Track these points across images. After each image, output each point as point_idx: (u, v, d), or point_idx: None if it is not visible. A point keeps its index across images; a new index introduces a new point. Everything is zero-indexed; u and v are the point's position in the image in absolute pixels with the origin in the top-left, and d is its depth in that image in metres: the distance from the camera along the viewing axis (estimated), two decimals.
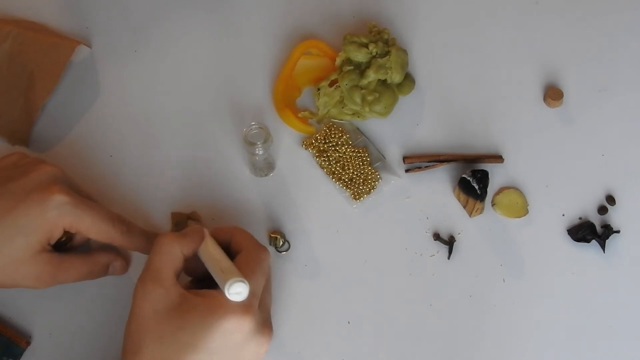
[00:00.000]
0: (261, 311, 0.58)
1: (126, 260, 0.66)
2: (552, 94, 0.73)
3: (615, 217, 0.69)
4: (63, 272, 0.60)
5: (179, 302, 0.55)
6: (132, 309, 0.56)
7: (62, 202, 0.58)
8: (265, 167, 0.70)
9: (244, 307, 0.55)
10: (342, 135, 0.71)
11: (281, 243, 0.67)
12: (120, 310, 0.62)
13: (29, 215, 0.57)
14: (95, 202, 0.62)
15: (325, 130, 0.71)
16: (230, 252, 0.59)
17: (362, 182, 0.70)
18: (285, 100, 0.73)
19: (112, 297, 0.65)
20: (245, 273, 0.55)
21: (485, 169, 0.68)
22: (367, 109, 0.70)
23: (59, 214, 0.58)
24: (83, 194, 0.63)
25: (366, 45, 0.71)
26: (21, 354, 0.63)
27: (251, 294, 0.55)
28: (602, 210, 0.69)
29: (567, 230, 0.69)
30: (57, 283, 0.60)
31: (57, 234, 0.59)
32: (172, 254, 0.57)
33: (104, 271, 0.64)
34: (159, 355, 0.53)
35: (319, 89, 0.72)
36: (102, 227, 0.60)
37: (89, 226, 0.59)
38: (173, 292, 0.55)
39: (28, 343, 0.63)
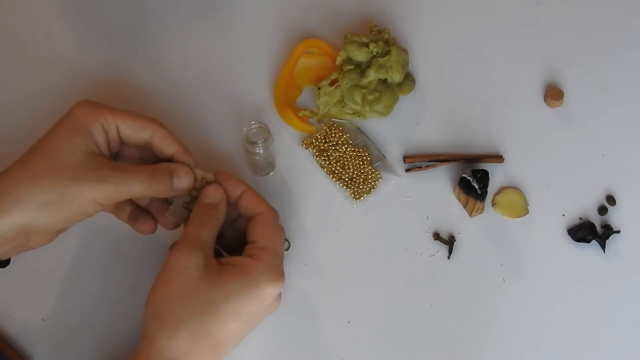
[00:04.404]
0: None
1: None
2: (553, 93, 0.73)
3: (615, 217, 0.69)
4: (121, 178, 0.56)
5: (217, 270, 0.54)
6: (169, 276, 0.53)
7: (86, 104, 0.58)
8: (265, 167, 0.70)
9: (278, 272, 0.56)
10: (342, 135, 0.71)
11: None
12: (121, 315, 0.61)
13: (66, 124, 0.57)
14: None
15: (325, 130, 0.71)
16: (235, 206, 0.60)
17: (363, 181, 0.70)
18: (286, 100, 0.73)
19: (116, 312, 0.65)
20: (270, 236, 0.57)
21: (485, 168, 0.68)
22: (367, 108, 0.70)
23: (88, 111, 0.58)
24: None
25: (367, 45, 0.71)
26: None
27: (278, 255, 0.56)
28: (603, 210, 0.69)
29: (567, 230, 0.69)
30: (118, 196, 0.56)
31: (99, 135, 0.58)
32: (217, 218, 0.57)
33: (168, 179, 0.58)
34: (203, 326, 0.52)
35: (319, 88, 0.72)
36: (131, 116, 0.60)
37: (124, 116, 0.59)
38: (212, 260, 0.55)
39: None
